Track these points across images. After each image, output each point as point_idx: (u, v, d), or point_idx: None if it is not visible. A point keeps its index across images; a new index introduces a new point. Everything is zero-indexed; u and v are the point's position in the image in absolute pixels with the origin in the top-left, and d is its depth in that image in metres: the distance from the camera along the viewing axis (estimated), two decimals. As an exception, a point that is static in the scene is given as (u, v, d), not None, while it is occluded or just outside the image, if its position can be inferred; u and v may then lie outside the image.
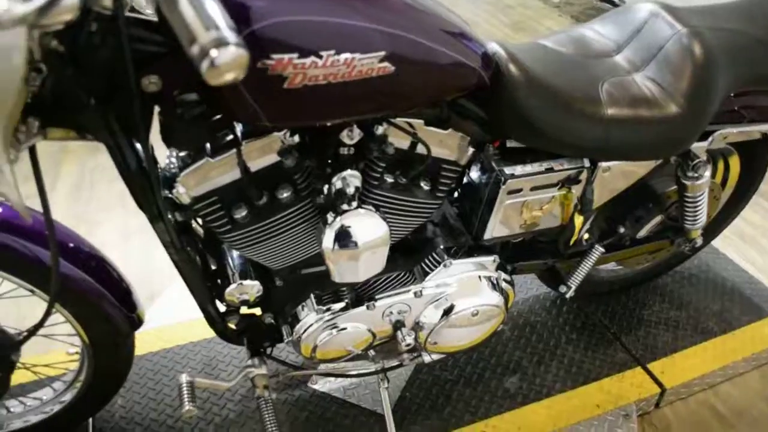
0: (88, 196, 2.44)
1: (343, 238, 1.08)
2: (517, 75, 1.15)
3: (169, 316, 1.88)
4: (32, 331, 1.16)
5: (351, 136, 1.04)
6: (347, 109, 0.97)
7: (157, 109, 0.98)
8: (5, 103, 0.75)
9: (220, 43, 0.52)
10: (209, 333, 1.78)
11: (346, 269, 1.13)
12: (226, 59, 0.52)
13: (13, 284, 1.18)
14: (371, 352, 1.44)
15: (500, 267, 1.39)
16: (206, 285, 1.20)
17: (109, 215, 2.34)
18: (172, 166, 1.06)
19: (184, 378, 1.26)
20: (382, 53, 0.92)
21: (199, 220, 1.18)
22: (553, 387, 1.71)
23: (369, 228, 1.09)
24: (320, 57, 0.86)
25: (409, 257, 1.30)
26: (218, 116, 1.01)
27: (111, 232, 2.27)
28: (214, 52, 0.51)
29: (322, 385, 1.63)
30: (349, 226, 1.08)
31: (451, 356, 1.71)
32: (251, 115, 0.92)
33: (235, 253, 1.26)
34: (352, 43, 0.89)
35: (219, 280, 1.27)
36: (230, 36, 0.52)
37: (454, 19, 1.06)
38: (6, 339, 1.20)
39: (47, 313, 1.11)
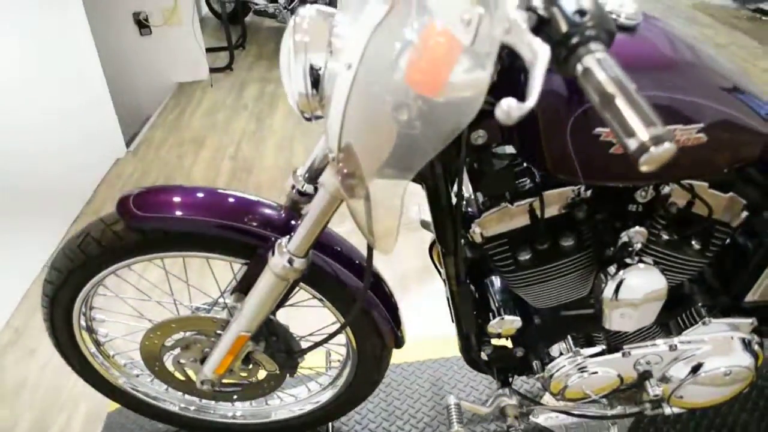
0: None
1: (625, 290, 1.13)
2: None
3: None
4: (320, 343, 1.32)
5: (644, 196, 1.10)
6: (657, 174, 1.02)
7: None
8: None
9: (659, 140, 0.60)
10: (434, 354, 1.92)
11: (620, 319, 1.18)
12: (661, 153, 0.60)
13: (308, 295, 1.35)
14: (605, 399, 1.48)
15: (755, 330, 1.37)
16: (475, 318, 1.30)
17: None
18: (469, 208, 1.17)
19: (451, 400, 1.37)
20: (700, 125, 0.97)
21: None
22: (784, 457, 1.65)
23: (649, 282, 1.14)
24: (649, 128, 0.93)
25: (666, 311, 1.33)
26: (523, 167, 1.12)
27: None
28: (653, 149, 0.60)
29: (544, 419, 1.68)
30: (631, 279, 1.13)
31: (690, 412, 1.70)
32: (568, 172, 1.00)
33: (498, 288, 1.35)
34: (677, 116, 0.95)
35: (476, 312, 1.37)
36: (666, 133, 0.60)
37: (750, 86, 1.09)
38: (296, 345, 1.37)
39: (338, 331, 1.27)
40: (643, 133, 0.60)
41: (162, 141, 3.59)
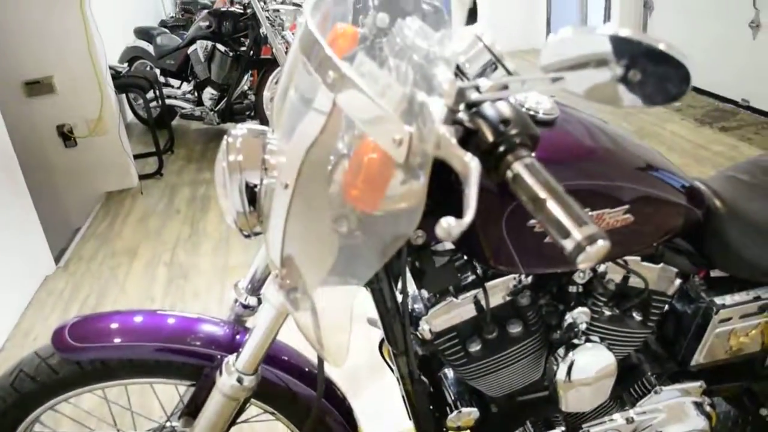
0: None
1: (576, 370, 1.14)
2: (722, 208, 1.22)
3: None
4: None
5: (582, 277, 1.13)
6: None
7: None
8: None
9: (593, 239, 0.62)
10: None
11: (576, 399, 1.18)
12: (597, 251, 0.62)
13: (260, 410, 1.30)
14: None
15: (704, 392, 1.40)
16: (432, 413, 1.28)
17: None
18: (415, 305, 1.17)
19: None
20: (626, 206, 1.02)
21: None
22: None
23: (599, 359, 1.16)
24: (578, 216, 0.97)
25: (618, 384, 1.34)
26: (464, 261, 1.13)
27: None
28: (589, 248, 0.62)
29: (513, 507, 1.65)
30: (581, 359, 1.15)
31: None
32: (507, 263, 1.02)
33: (452, 381, 1.34)
34: (603, 200, 0.99)
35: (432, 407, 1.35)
36: (599, 232, 0.62)
37: (663, 161, 1.15)
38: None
39: None
40: (576, 234, 0.62)
41: (93, 254, 3.49)
